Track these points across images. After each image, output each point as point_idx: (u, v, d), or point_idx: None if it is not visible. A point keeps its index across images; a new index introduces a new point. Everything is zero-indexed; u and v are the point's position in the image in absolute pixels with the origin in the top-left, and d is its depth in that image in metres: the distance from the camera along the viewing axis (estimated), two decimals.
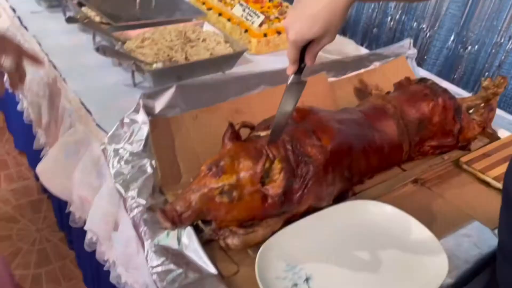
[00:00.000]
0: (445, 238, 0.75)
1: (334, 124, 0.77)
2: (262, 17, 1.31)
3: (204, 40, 1.07)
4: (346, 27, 2.11)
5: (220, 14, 1.40)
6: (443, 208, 0.84)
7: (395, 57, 1.25)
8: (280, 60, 1.34)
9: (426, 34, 1.76)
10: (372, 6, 1.96)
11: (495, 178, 0.90)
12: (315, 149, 0.72)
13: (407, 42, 1.30)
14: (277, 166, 0.68)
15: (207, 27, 1.18)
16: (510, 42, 1.53)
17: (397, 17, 1.87)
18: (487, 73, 1.62)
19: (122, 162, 0.81)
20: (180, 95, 0.90)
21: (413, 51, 1.31)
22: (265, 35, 1.30)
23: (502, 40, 1.55)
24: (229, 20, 1.38)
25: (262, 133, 0.76)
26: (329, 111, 0.86)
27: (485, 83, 1.07)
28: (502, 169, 0.91)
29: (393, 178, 0.89)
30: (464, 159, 0.95)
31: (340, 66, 1.16)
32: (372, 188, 0.85)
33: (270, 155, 0.70)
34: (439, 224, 0.80)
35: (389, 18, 1.90)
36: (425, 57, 1.79)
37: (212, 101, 0.92)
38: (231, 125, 0.73)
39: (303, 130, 0.74)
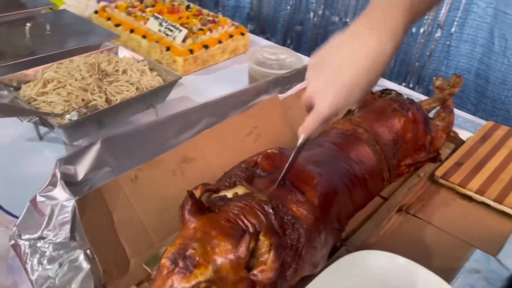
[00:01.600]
0: (455, 280, 0.66)
1: (312, 169, 0.63)
2: (184, 30, 1.12)
3: (124, 71, 0.86)
4: (265, 26, 1.99)
5: (132, 31, 1.19)
6: (434, 237, 0.75)
7: None
8: (212, 79, 1.18)
9: None
10: (291, 2, 1.85)
11: (477, 192, 0.82)
12: (301, 208, 0.57)
13: None
14: (264, 243, 0.52)
15: (123, 53, 0.97)
16: (438, 30, 1.51)
17: (320, 12, 1.78)
18: (417, 63, 1.60)
19: (45, 261, 0.60)
20: (108, 151, 0.70)
21: None
22: (191, 51, 1.12)
23: (430, 29, 1.53)
24: (144, 37, 1.17)
25: (230, 193, 0.60)
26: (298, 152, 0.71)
27: (438, 83, 1.01)
28: (479, 180, 0.85)
29: (376, 211, 0.77)
30: (438, 173, 0.87)
31: (286, 80, 1.02)
32: (359, 231, 0.73)
33: (250, 226, 0.54)
34: (437, 258, 0.71)
35: (312, 14, 1.82)
36: None
37: (151, 152, 0.73)
38: (190, 195, 0.55)
39: (282, 186, 0.59)
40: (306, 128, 0.55)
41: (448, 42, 1.51)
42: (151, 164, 0.71)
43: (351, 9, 1.68)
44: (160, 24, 1.15)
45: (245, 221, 0.54)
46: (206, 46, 1.15)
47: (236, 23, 1.27)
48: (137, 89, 0.82)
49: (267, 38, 1.93)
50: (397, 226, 0.77)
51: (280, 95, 0.99)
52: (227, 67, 1.22)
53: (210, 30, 1.19)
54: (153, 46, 1.14)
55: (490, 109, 1.47)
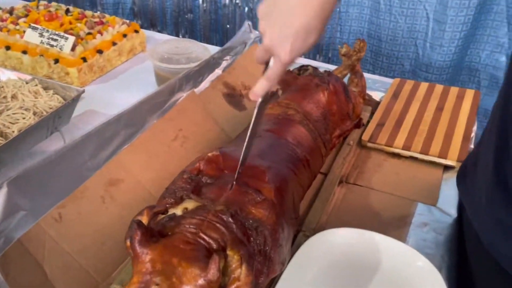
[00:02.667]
0: (409, 238, 0.68)
1: (260, 163, 0.60)
2: (71, 38, 1.00)
3: (14, 96, 0.73)
4: (154, 20, 1.88)
5: (8, 48, 1.03)
6: (378, 200, 0.77)
7: (244, 46, 1.12)
8: (115, 86, 1.07)
9: (245, 9, 1.67)
10: None
11: (403, 148, 0.86)
12: (261, 208, 0.54)
13: (246, 26, 1.17)
14: (233, 258, 0.48)
15: (4, 75, 0.83)
16: None
17: None
18: None
19: None
20: (18, 192, 0.60)
21: (256, 34, 1.18)
22: (84, 59, 1.01)
23: None
24: (25, 52, 1.02)
25: (179, 210, 0.54)
26: (238, 147, 0.67)
27: (344, 51, 1.03)
28: (403, 136, 0.88)
29: (319, 188, 0.77)
30: (365, 137, 0.89)
31: (197, 74, 0.97)
32: (310, 213, 0.71)
33: (212, 243, 0.49)
34: (387, 220, 0.73)
35: (201, 0, 1.75)
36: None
37: (69, 182, 0.64)
38: (138, 224, 0.49)
39: (235, 188, 0.55)
40: (270, 78, 0.54)
41: (338, 9, 1.56)
42: (73, 196, 0.62)
43: None
44: (41, 35, 1.01)
45: (206, 238, 0.49)
46: (99, 51, 1.04)
47: (127, 21, 1.17)
48: (34, 114, 0.70)
49: (159, 31, 1.83)
50: (342, 198, 0.77)
51: (195, 90, 0.94)
52: (128, 69, 1.13)
53: (100, 32, 1.08)
54: (37, 61, 1.01)
55: (386, 66, 1.56)
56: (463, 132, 0.88)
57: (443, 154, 0.83)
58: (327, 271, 0.60)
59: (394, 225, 0.71)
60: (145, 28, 1.63)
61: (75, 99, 0.74)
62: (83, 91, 0.76)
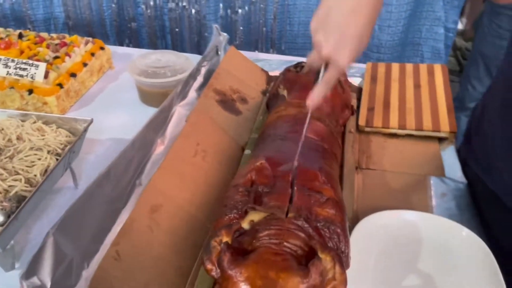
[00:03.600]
0: (435, 210, 0.74)
1: (309, 165, 0.62)
2: (42, 64, 0.93)
3: (19, 138, 0.67)
4: (92, 32, 1.78)
5: None
6: (395, 180, 0.81)
7: (219, 52, 1.11)
8: (97, 108, 1.01)
9: (192, 11, 1.64)
10: (115, 0, 1.68)
11: (399, 127, 0.92)
12: (327, 208, 0.56)
13: (215, 30, 1.16)
14: (326, 259, 0.49)
15: None
16: None
17: (152, 3, 1.66)
18: (264, 28, 1.66)
19: None
20: (64, 239, 0.56)
21: (225, 36, 1.18)
22: (60, 86, 0.94)
23: None
24: None
25: (246, 224, 0.55)
26: (267, 150, 0.68)
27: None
28: (394, 116, 0.94)
29: (341, 179, 0.80)
30: (361, 123, 0.94)
31: (185, 84, 0.95)
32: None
33: (298, 250, 0.50)
34: (410, 197, 0.78)
35: (144, 6, 1.68)
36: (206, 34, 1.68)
37: (108, 217, 0.61)
38: (227, 246, 0.48)
39: (297, 193, 0.56)
40: (329, 82, 0.60)
41: (286, 2, 1.60)
42: (123, 231, 0.59)
43: None
44: (6, 66, 0.92)
45: (291, 246, 0.50)
46: (73, 75, 0.98)
47: (90, 38, 1.11)
48: (49, 152, 0.65)
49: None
50: (362, 184, 0.81)
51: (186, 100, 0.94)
52: (104, 89, 1.07)
53: (68, 54, 1.01)
54: (7, 94, 0.92)
55: None
56: (445, 105, 0.96)
57: (436, 127, 0.90)
58: (383, 254, 0.64)
59: (418, 201, 0.76)
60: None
61: (86, 130, 0.70)
62: (92, 121, 0.72)
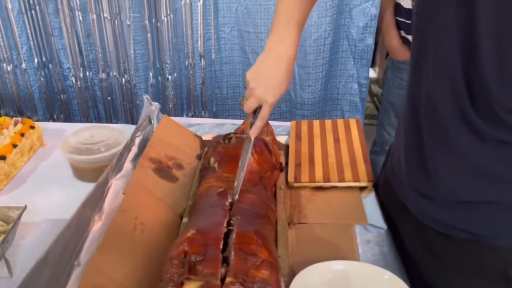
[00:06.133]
0: (361, 257, 0.81)
1: (244, 229, 0.67)
2: None
3: None
4: (20, 106, 1.76)
5: None
6: (324, 232, 0.88)
7: (152, 121, 1.16)
8: (30, 190, 1.00)
9: (123, 80, 1.68)
10: (43, 73, 1.69)
11: (324, 181, 1.00)
12: (263, 269, 0.60)
13: (146, 101, 1.21)
14: None
15: None
16: (202, 60, 1.67)
17: (81, 74, 1.68)
18: (195, 93, 1.73)
19: None
20: None
21: (157, 105, 1.23)
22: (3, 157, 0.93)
23: (194, 61, 1.68)
24: None
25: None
26: (199, 219, 0.72)
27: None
28: (319, 171, 1.03)
29: (276, 236, 0.85)
30: (290, 179, 1.01)
31: (119, 160, 0.98)
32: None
33: None
34: (339, 247, 0.84)
35: (73, 79, 1.70)
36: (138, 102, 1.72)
37: None
38: None
39: (236, 259, 0.60)
40: (264, 118, 0.81)
41: (213, 68, 1.70)
42: None
43: (113, 64, 1.67)
44: None
45: None
46: (2, 157, 0.98)
47: (20, 118, 1.11)
48: None
49: (29, 117, 1.72)
50: (295, 239, 0.87)
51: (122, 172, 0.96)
52: (35, 169, 1.06)
53: None
54: None
55: None
56: (362, 157, 1.07)
57: (355, 178, 1.00)
58: None
59: (347, 250, 0.83)
60: (12, 117, 1.52)
61: (19, 218, 0.70)
62: (25, 207, 0.72)
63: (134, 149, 1.07)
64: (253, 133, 0.82)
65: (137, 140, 1.09)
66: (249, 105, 0.81)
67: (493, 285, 0.71)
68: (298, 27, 0.79)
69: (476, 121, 0.61)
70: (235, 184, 0.79)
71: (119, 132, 1.04)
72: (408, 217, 0.79)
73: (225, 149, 0.93)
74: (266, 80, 0.77)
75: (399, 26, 1.59)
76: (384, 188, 0.94)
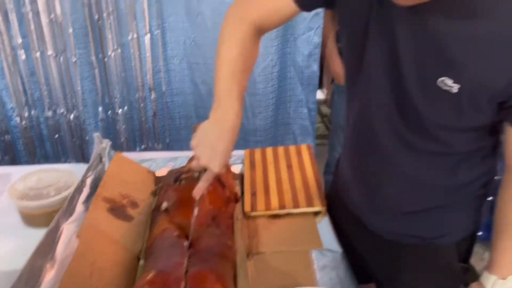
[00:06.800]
0: (318, 283, 0.83)
1: (198, 268, 0.67)
2: None
3: None
4: None
5: None
6: (283, 260, 0.90)
7: (103, 159, 1.14)
8: None
9: (71, 116, 1.64)
10: None
11: (280, 208, 1.03)
12: None
13: (96, 139, 1.19)
14: None
15: None
16: (152, 93, 1.67)
17: (26, 114, 1.63)
18: (147, 125, 1.72)
19: None
20: None
21: (108, 142, 1.22)
22: None
23: (145, 94, 1.67)
24: None
25: None
26: (158, 259, 0.72)
27: None
28: (275, 199, 1.05)
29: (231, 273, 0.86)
30: (247, 209, 1.03)
31: (71, 203, 0.95)
32: None
33: None
34: (297, 273, 0.86)
35: (18, 118, 1.64)
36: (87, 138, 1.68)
37: None
38: None
39: None
40: (208, 181, 0.82)
41: (164, 100, 1.71)
42: None
43: (60, 101, 1.64)
44: None
45: None
46: None
47: None
48: None
49: None
50: (255, 270, 0.88)
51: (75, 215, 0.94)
52: None
53: None
54: None
55: None
56: (315, 182, 1.10)
57: (309, 203, 1.03)
58: None
59: (305, 276, 0.85)
60: None
61: None
62: None
63: (86, 190, 1.04)
64: (196, 193, 0.82)
65: (89, 181, 1.07)
66: (194, 168, 0.83)
67: (441, 279, 0.87)
68: (240, 97, 0.81)
69: (408, 136, 0.74)
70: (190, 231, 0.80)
71: (69, 174, 1.01)
72: (359, 225, 0.91)
73: (176, 192, 0.93)
74: (211, 150, 0.78)
75: (341, 53, 1.67)
76: (334, 199, 1.03)
